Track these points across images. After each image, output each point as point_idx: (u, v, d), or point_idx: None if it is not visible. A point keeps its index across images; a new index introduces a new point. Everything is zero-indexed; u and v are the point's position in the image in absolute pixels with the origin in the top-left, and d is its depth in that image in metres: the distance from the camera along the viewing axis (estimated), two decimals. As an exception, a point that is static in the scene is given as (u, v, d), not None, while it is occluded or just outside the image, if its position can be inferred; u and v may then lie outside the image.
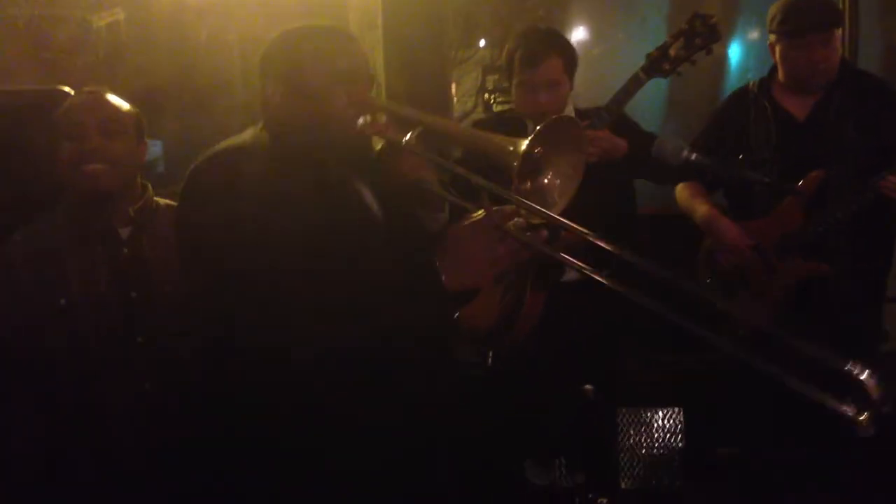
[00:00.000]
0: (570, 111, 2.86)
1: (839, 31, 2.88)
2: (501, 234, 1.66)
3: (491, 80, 4.79)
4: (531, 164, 1.67)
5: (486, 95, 4.78)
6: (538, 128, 1.65)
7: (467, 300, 1.73)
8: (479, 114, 4.98)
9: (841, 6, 4.14)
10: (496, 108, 4.57)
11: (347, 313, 1.54)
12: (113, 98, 2.22)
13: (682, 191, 3.16)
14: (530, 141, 1.63)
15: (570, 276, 2.62)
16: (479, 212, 1.69)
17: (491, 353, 2.34)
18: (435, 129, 1.84)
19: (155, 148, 3.82)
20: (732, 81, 4.64)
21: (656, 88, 3.01)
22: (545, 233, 1.69)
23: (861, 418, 1.28)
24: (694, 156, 2.23)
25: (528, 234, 1.67)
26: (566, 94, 2.84)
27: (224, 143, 1.77)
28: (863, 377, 1.28)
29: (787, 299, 2.92)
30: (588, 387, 2.75)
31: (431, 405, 1.76)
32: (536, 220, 1.67)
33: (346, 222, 1.68)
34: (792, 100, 2.98)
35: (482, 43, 5.21)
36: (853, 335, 2.85)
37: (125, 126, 2.19)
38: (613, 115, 2.69)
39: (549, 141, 1.66)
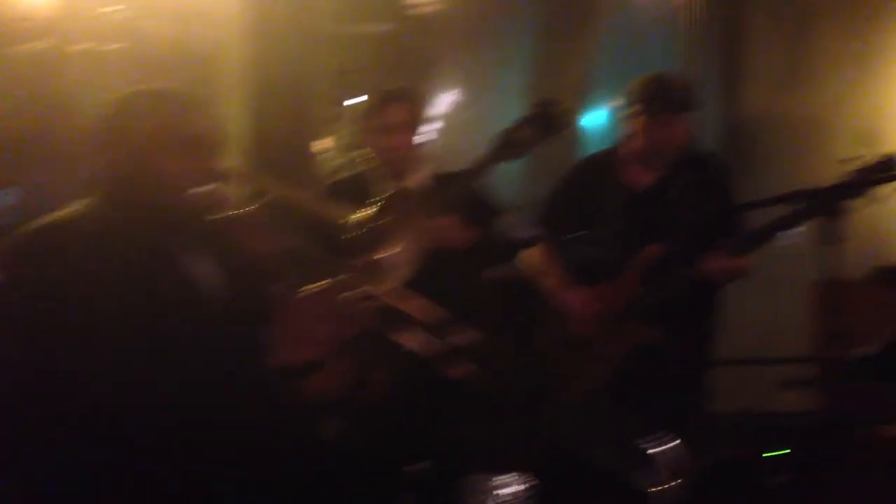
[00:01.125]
0: (427, 172, 2.95)
1: (691, 115, 3.10)
2: (343, 306, 1.67)
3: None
4: (372, 236, 1.72)
5: (352, 153, 4.83)
6: (379, 201, 1.70)
7: (315, 370, 1.74)
8: (347, 171, 5.03)
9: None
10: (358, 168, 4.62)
11: (169, 394, 1.53)
12: None
13: (529, 255, 3.26)
14: (370, 214, 1.68)
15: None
16: (322, 282, 1.70)
17: (339, 424, 2.34)
18: (281, 199, 1.86)
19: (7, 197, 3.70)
20: (591, 146, 4.83)
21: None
22: (383, 303, 1.72)
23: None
24: (536, 233, 2.33)
25: (368, 304, 1.70)
26: (414, 142, 2.93)
27: (49, 217, 1.69)
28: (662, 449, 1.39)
29: (626, 363, 3.08)
30: (420, 465, 2.78)
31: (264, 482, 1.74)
32: (381, 291, 1.71)
33: (173, 301, 1.64)
34: (638, 173, 3.16)
35: (358, 99, 5.26)
36: (684, 398, 3.05)
37: None
38: (464, 195, 2.76)
39: (390, 213, 1.72)
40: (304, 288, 1.72)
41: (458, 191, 2.75)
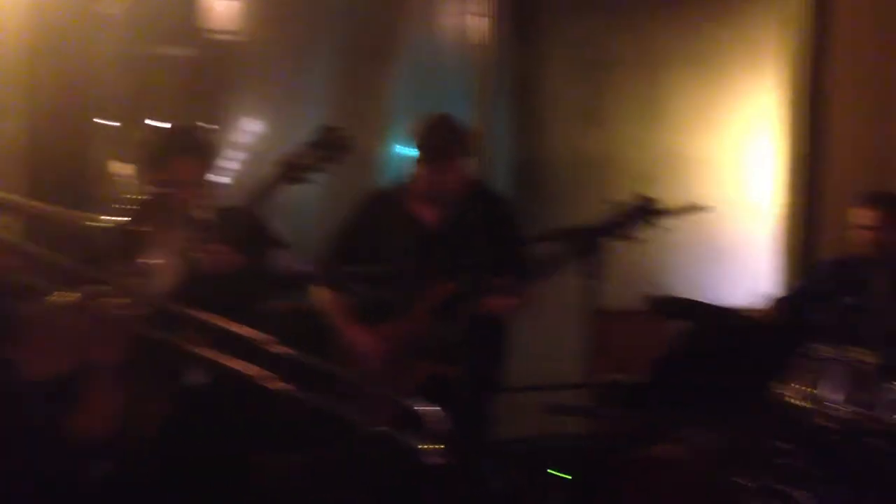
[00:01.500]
0: (211, 205, 2.91)
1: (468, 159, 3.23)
2: (97, 317, 1.60)
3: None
4: (126, 243, 1.67)
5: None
6: (136, 210, 1.66)
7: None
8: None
9: (476, 123, 4.62)
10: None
11: None
12: None
13: (319, 292, 3.29)
14: (122, 221, 1.63)
15: (196, 379, 2.64)
16: (72, 294, 1.62)
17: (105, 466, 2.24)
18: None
19: None
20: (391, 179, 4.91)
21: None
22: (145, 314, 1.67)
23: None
24: (315, 269, 2.37)
25: (127, 316, 1.63)
26: (202, 192, 2.88)
27: None
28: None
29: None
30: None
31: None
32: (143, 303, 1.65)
33: None
34: (425, 208, 3.26)
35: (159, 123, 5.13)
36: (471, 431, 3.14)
37: None
38: (247, 221, 2.77)
39: (150, 223, 1.67)
40: (52, 298, 1.64)
41: (236, 221, 2.75)
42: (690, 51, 4.96)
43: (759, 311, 3.70)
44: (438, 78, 4.89)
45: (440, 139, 3.15)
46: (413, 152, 3.22)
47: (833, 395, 3.17)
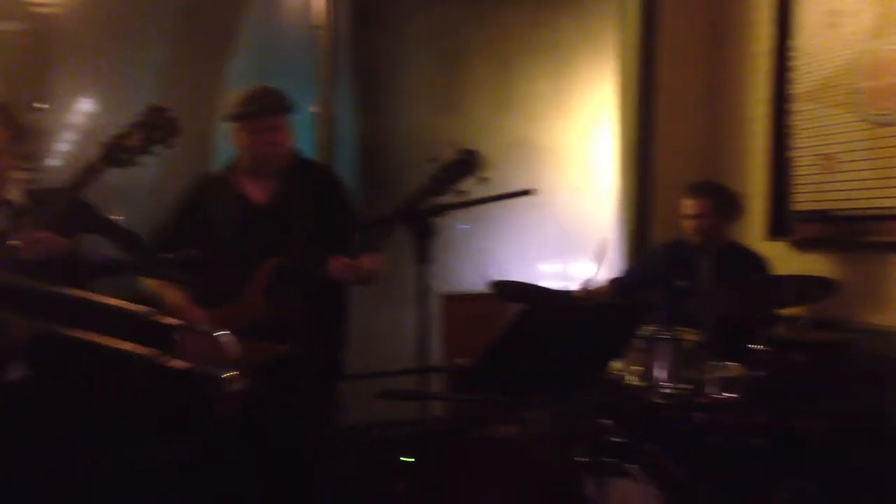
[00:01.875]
0: (24, 187, 2.77)
1: (289, 119, 3.15)
2: None
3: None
4: None
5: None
6: None
7: None
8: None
9: (319, 106, 4.55)
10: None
11: None
12: None
13: (147, 281, 3.16)
14: None
15: (15, 374, 2.51)
16: None
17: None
18: None
19: None
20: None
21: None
22: None
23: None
24: (116, 256, 2.28)
25: None
26: (10, 158, 2.75)
27: None
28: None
29: (255, 380, 3.06)
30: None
31: None
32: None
33: None
34: (252, 186, 3.18)
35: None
36: (310, 410, 3.09)
37: None
38: (67, 204, 2.63)
39: None
40: None
41: (56, 204, 2.62)
42: (538, 41, 5.06)
43: (595, 292, 3.80)
44: (280, 59, 4.79)
45: (257, 101, 3.09)
46: (230, 128, 3.13)
47: (663, 373, 3.30)
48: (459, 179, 2.87)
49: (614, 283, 4.18)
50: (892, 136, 3.80)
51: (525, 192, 2.96)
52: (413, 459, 3.32)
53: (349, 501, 3.36)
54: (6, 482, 2.58)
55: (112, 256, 2.39)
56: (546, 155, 5.03)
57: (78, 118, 4.33)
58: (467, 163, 2.88)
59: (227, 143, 3.27)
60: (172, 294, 3.10)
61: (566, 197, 4.97)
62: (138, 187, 3.76)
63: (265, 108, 3.08)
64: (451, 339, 4.17)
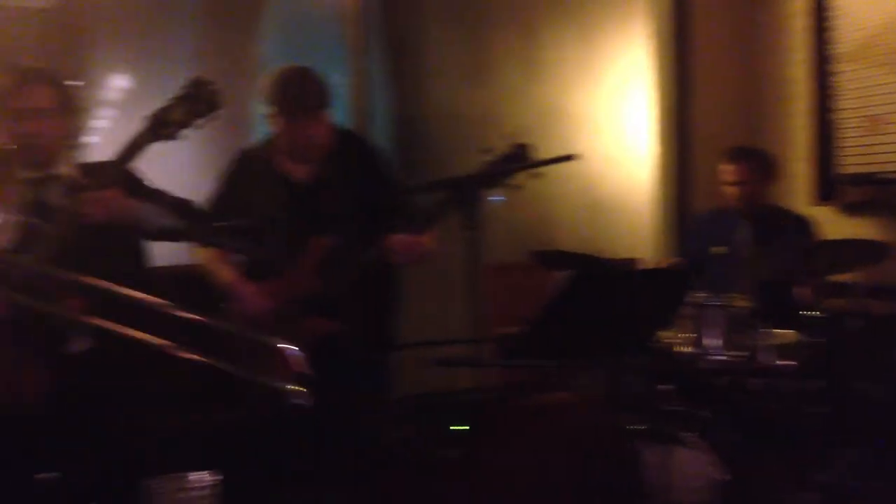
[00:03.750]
0: (73, 161, 2.76)
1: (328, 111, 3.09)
2: None
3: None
4: None
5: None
6: None
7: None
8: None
9: (352, 80, 4.51)
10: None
11: None
12: None
13: (204, 252, 3.15)
14: None
15: (80, 346, 2.51)
16: None
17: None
18: None
19: None
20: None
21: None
22: None
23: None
24: (171, 223, 2.27)
25: None
26: (60, 129, 2.74)
27: None
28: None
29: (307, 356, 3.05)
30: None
31: None
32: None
33: None
34: (294, 165, 3.14)
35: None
36: (364, 387, 3.08)
37: None
38: (118, 176, 2.62)
39: None
40: None
41: (107, 176, 2.60)
42: (566, 7, 4.98)
43: (645, 261, 3.77)
44: (312, 32, 4.75)
45: (296, 92, 3.00)
46: (267, 112, 3.07)
47: (714, 340, 3.27)
48: (512, 173, 2.82)
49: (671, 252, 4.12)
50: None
51: (567, 158, 2.91)
52: (466, 427, 3.32)
53: (405, 470, 3.35)
54: (74, 454, 2.59)
55: (168, 223, 2.36)
56: (578, 123, 4.97)
57: (112, 94, 4.32)
58: (521, 157, 2.83)
59: (262, 122, 3.20)
60: (224, 270, 3.08)
61: (601, 165, 4.90)
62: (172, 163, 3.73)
63: (304, 108, 3.01)
64: (491, 309, 4.14)
